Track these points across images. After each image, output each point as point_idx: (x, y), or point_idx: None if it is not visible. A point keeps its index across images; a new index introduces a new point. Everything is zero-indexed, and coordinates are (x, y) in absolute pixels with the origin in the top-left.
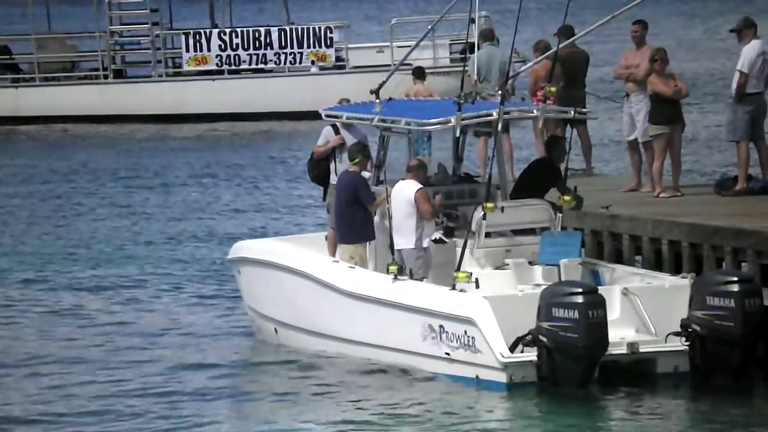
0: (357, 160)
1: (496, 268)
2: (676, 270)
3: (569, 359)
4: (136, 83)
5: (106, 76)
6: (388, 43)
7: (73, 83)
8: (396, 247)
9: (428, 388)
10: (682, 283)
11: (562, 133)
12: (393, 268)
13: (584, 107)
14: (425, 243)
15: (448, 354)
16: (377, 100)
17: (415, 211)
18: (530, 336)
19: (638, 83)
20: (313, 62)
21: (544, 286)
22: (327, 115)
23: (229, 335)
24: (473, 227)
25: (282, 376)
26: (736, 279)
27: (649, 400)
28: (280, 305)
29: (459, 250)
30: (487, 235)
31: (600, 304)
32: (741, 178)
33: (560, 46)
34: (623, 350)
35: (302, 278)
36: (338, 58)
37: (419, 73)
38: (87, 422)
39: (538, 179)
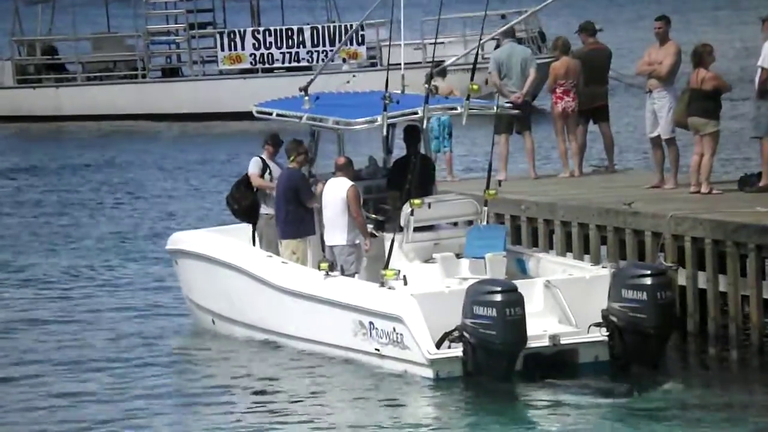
0: (293, 157)
1: (424, 262)
2: (699, 267)
3: (490, 355)
4: (172, 82)
5: (144, 76)
6: (421, 41)
7: (112, 83)
8: (327, 244)
9: (358, 382)
10: (603, 273)
11: (585, 130)
12: (324, 264)
13: (606, 104)
14: (357, 239)
15: (378, 350)
16: (306, 97)
17: (347, 208)
18: (456, 332)
19: (661, 79)
20: (344, 60)
21: (471, 281)
22: (258, 111)
23: (171, 327)
24: (401, 223)
25: (214, 369)
26: (648, 272)
27: (570, 391)
28: (216, 297)
29: (388, 244)
30: (416, 229)
31: (518, 302)
32: (765, 174)
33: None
34: (545, 342)
35: (237, 272)
36: (373, 56)
37: (439, 72)
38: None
39: (421, 175)
